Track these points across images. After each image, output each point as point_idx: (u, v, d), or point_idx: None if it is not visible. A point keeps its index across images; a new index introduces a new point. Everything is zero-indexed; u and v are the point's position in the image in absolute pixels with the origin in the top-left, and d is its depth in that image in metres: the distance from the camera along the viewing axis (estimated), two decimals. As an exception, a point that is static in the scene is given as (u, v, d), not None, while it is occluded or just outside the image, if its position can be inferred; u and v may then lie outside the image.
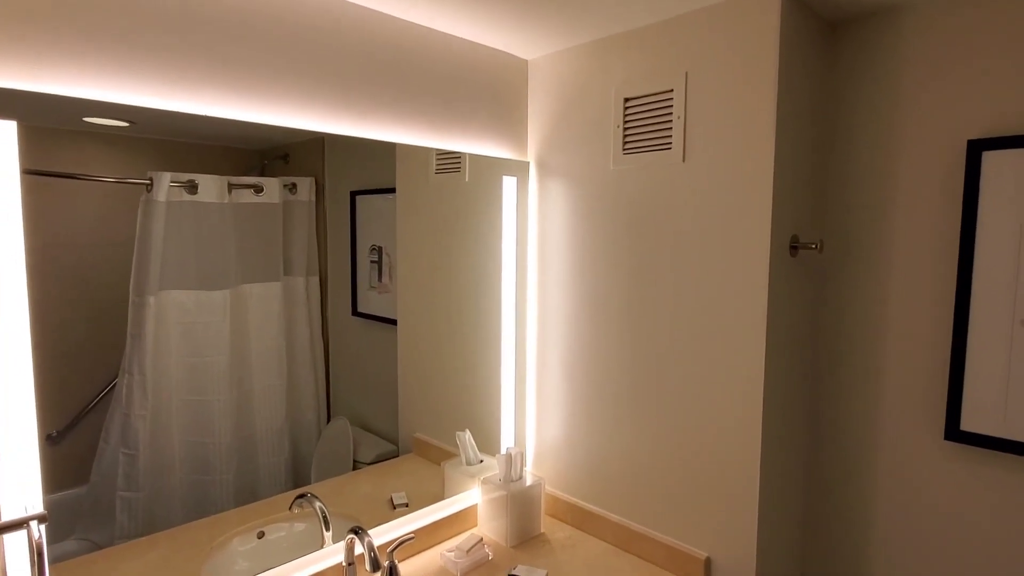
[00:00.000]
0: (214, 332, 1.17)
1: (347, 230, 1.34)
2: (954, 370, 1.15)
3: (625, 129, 1.36)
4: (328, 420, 1.34)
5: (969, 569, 1.18)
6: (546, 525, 1.58)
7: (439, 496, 1.52)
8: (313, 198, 1.28)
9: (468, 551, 1.37)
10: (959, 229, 1.16)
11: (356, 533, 1.20)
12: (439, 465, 1.52)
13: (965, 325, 1.13)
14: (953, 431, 1.15)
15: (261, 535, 1.23)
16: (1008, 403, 1.10)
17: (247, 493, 1.23)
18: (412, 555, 1.43)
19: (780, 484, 1.29)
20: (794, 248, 1.22)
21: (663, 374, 1.35)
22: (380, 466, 1.42)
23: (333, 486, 1.34)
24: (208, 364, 1.17)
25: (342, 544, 1.29)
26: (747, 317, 1.19)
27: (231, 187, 1.18)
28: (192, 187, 1.13)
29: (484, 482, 1.54)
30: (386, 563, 1.30)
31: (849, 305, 1.31)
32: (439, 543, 1.48)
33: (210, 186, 1.14)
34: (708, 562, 1.29)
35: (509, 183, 1.58)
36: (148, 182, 1.09)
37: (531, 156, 1.61)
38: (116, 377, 1.07)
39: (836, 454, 1.34)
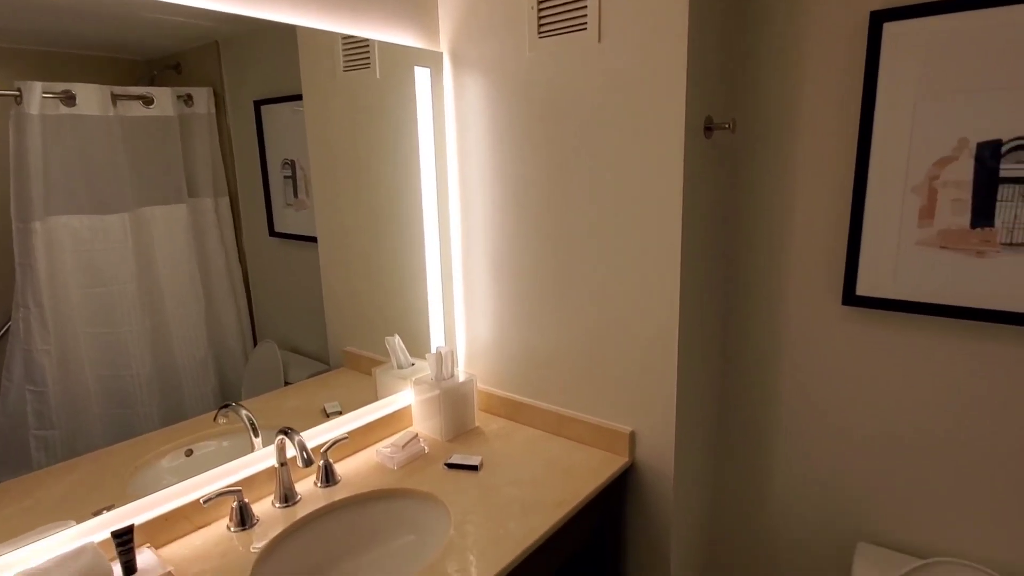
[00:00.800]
0: (116, 260, 1.10)
1: (255, 144, 1.26)
2: (852, 239, 1.24)
3: (540, 10, 1.33)
4: (255, 346, 1.31)
5: (860, 417, 1.32)
6: (480, 420, 1.63)
7: (373, 402, 1.53)
8: (212, 110, 1.19)
9: (404, 446, 1.40)
10: (860, 102, 1.22)
11: (286, 433, 1.20)
12: (372, 375, 1.52)
13: (863, 195, 1.22)
14: (849, 296, 1.26)
15: (189, 453, 1.21)
16: (898, 266, 1.21)
17: (173, 420, 1.19)
18: (348, 455, 1.45)
19: (697, 359, 1.39)
20: (708, 129, 1.25)
21: (585, 262, 1.39)
22: (311, 381, 1.41)
23: (262, 401, 1.32)
24: (114, 294, 1.10)
25: (272, 447, 1.28)
26: (663, 200, 1.23)
27: (116, 98, 1.07)
28: (69, 98, 1.02)
29: (416, 383, 1.56)
30: (320, 462, 1.32)
31: (760, 183, 1.37)
32: (374, 443, 1.51)
33: (90, 97, 1.04)
34: (632, 435, 1.39)
35: (422, 75, 1.52)
36: (16, 93, 0.97)
37: (444, 46, 1.55)
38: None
39: (747, 327, 1.44)
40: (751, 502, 1.52)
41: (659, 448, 1.36)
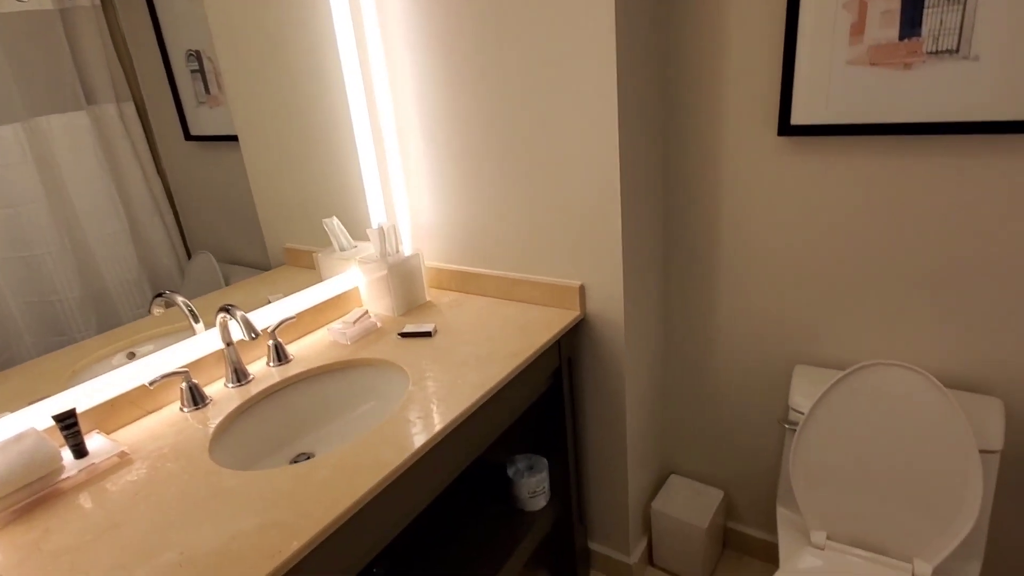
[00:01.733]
0: (16, 176, 1.00)
1: (152, 38, 1.13)
2: (786, 67, 1.23)
3: None
4: (189, 260, 1.23)
5: (797, 246, 1.37)
6: (432, 296, 1.63)
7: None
8: (98, 2, 1.05)
9: (355, 322, 1.39)
10: (785, -78, 1.18)
11: (227, 311, 1.16)
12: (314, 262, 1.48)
13: (796, 19, 1.20)
14: (785, 126, 1.26)
15: (131, 356, 1.16)
16: (831, 90, 1.21)
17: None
18: (298, 338, 1.44)
19: (640, 209, 1.39)
20: (636, -39, 1.19)
21: (523, 127, 1.34)
22: (253, 279, 1.36)
23: (203, 301, 1.27)
24: (21, 214, 1.01)
25: (216, 331, 1.25)
26: (596, 49, 1.18)
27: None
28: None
29: (362, 262, 1.53)
30: (270, 342, 1.30)
31: (695, 19, 1.33)
32: (324, 325, 1.50)
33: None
34: (582, 289, 1.41)
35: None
36: None
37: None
38: None
39: (686, 170, 1.44)
40: (698, 339, 1.58)
41: (609, 298, 1.39)
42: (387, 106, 1.54)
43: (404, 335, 1.38)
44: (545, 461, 1.53)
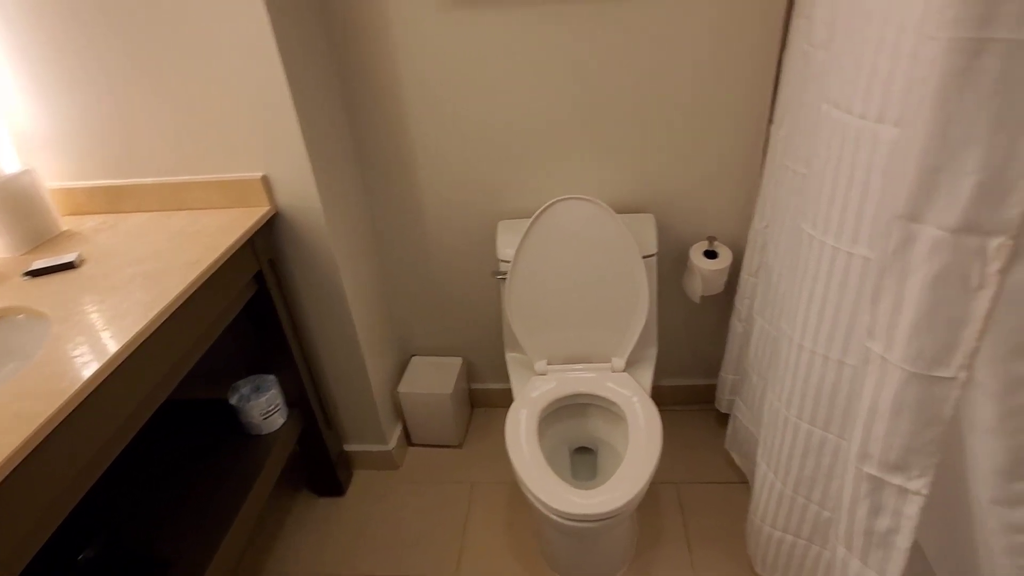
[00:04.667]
0: None
1: None
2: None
3: None
4: None
5: (474, 100, 1.41)
6: (70, 224, 1.28)
7: None
8: None
9: None
10: None
11: None
12: None
13: None
14: (441, -26, 1.24)
15: None
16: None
17: None
18: None
19: (313, 87, 1.26)
20: None
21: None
22: None
23: None
24: None
25: None
26: None
27: None
28: None
29: None
30: None
31: None
32: None
33: None
34: (266, 180, 1.25)
35: None
36: None
37: None
38: None
39: (359, 45, 1.35)
40: (407, 215, 1.56)
41: (301, 189, 1.26)
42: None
43: (33, 273, 1.05)
44: (272, 378, 1.39)
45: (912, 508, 0.80)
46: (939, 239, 0.64)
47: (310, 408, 1.45)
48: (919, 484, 0.78)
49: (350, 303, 1.42)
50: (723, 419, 1.72)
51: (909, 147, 0.63)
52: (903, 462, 0.78)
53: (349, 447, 1.67)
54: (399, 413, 1.75)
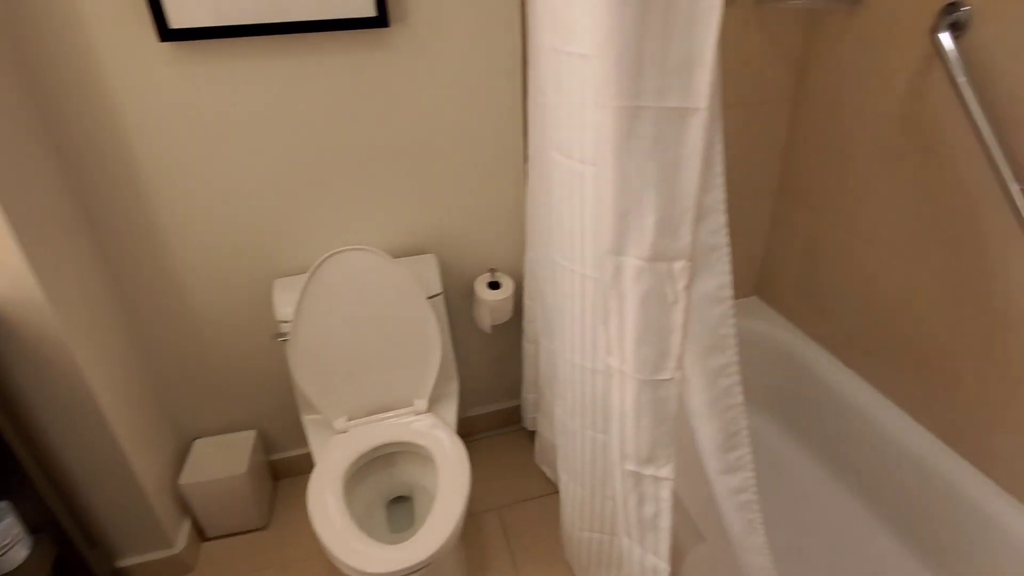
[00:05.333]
0: None
1: None
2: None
3: None
4: None
5: (223, 156, 1.33)
6: None
7: None
8: None
9: None
10: None
11: None
12: None
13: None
14: (165, 31, 1.15)
15: None
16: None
17: None
18: None
19: (14, 150, 1.09)
20: None
21: None
22: None
23: None
24: None
25: None
26: None
27: None
28: None
29: None
30: None
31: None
32: None
33: None
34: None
35: None
36: None
37: None
38: None
39: (69, 95, 1.20)
40: (165, 289, 1.40)
41: (12, 278, 1.06)
42: None
43: None
44: (4, 504, 1.14)
45: (665, 492, 0.93)
46: (640, 267, 0.76)
47: (63, 530, 1.22)
48: (666, 471, 0.91)
49: (100, 399, 1.23)
50: (532, 436, 1.83)
51: (604, 194, 0.75)
52: (652, 455, 0.91)
53: (124, 562, 1.43)
54: (185, 508, 1.55)
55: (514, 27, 1.34)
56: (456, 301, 1.66)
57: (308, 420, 1.46)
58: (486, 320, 1.58)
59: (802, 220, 1.66)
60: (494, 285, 1.58)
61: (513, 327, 1.72)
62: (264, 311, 1.50)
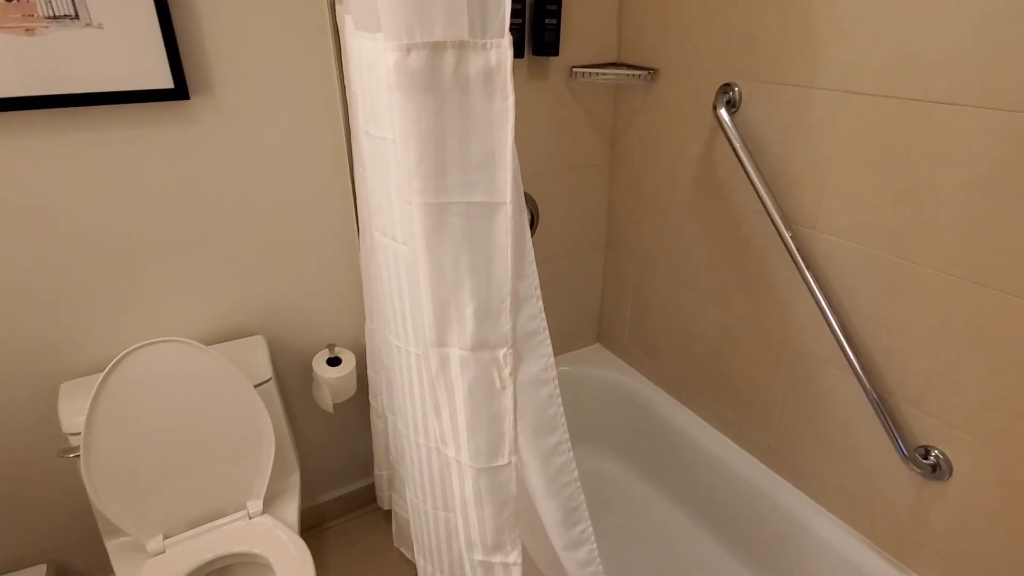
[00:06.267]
0: None
1: None
2: None
3: None
4: None
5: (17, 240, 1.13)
6: None
7: None
8: None
9: None
10: None
11: None
12: None
13: None
14: None
15: None
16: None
17: None
18: None
19: None
20: None
21: None
22: None
23: None
24: None
25: None
26: None
27: None
28: None
29: None
30: None
31: None
32: None
33: None
34: None
35: None
36: None
37: None
38: None
39: None
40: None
41: None
42: None
43: None
44: None
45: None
46: (464, 357, 0.75)
47: None
48: (514, 556, 0.89)
49: None
50: (389, 516, 1.72)
51: (421, 284, 0.73)
52: (497, 542, 0.88)
53: None
54: None
55: (334, 103, 1.31)
56: (295, 381, 1.53)
57: (114, 546, 1.24)
58: (327, 400, 1.47)
59: (630, 271, 1.78)
60: (334, 361, 1.48)
61: (359, 402, 1.63)
62: (50, 421, 1.26)
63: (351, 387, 1.50)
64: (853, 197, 1.15)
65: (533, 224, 1.65)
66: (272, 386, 1.35)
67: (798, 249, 1.21)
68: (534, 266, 0.70)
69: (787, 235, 1.23)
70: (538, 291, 0.72)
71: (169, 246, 1.26)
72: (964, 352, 1.04)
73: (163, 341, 1.16)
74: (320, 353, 1.50)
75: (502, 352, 0.74)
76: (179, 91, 1.17)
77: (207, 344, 1.35)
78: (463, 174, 0.65)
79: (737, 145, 1.28)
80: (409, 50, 0.60)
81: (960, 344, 1.05)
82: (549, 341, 0.74)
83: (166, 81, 1.16)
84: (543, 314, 0.73)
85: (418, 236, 0.69)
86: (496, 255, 0.69)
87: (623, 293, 1.83)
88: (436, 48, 0.60)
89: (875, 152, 1.09)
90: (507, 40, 0.61)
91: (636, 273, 1.76)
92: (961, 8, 0.93)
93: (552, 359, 0.75)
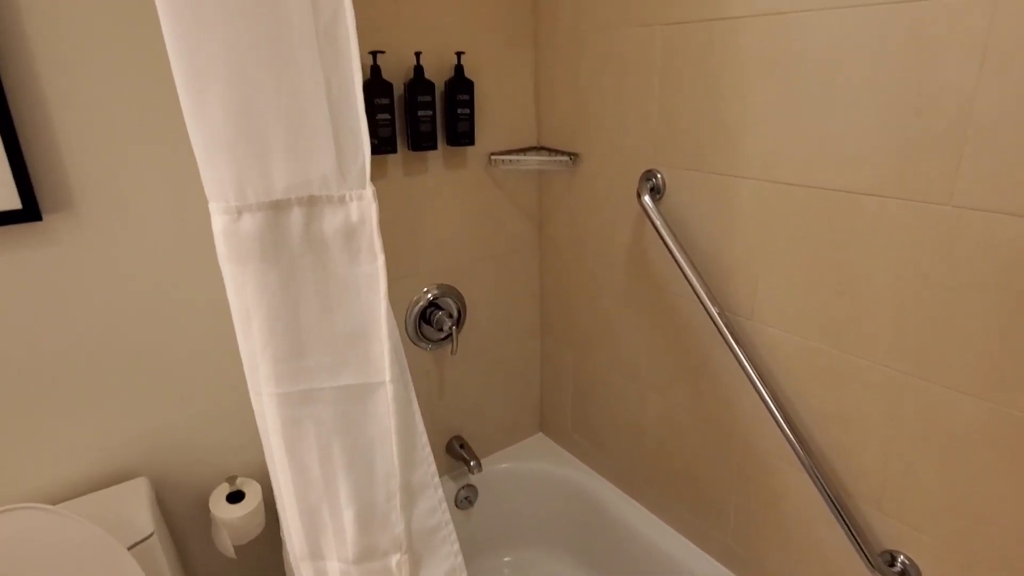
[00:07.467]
0: None
1: None
2: None
3: None
4: None
5: None
6: None
7: None
8: None
9: None
10: None
11: None
12: None
13: None
14: None
15: None
16: None
17: None
18: None
19: None
20: None
21: None
22: None
23: None
24: None
25: None
26: None
27: None
28: None
29: None
30: None
31: None
32: None
33: None
34: None
35: None
36: None
37: None
38: None
39: None
40: None
41: None
42: None
43: None
44: None
45: None
46: (345, 570, 0.60)
47: None
48: None
49: None
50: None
51: (283, 490, 0.58)
52: None
53: None
54: None
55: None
56: (189, 526, 1.32)
57: None
58: (227, 544, 1.26)
59: (569, 358, 1.67)
60: (236, 496, 1.28)
61: (270, 540, 1.42)
62: None
63: (257, 525, 1.29)
64: (788, 287, 1.08)
65: (460, 320, 1.52)
66: (154, 542, 1.14)
67: (736, 340, 1.13)
68: (428, 450, 0.57)
69: (723, 326, 1.15)
70: (436, 479, 0.58)
71: (21, 386, 1.06)
72: (917, 450, 0.97)
73: (5, 510, 0.95)
74: (219, 488, 1.29)
75: (395, 559, 0.59)
76: (28, 211, 1.01)
77: (71, 500, 1.14)
78: (327, 354, 0.52)
79: (664, 233, 1.21)
80: (240, 212, 0.47)
81: (912, 441, 0.97)
82: (455, 536, 0.60)
83: (12, 202, 1.00)
84: (444, 505, 0.59)
85: (272, 434, 0.54)
86: (378, 444, 0.55)
87: (563, 380, 1.72)
88: (277, 207, 0.48)
89: (806, 242, 1.03)
90: (370, 191, 0.50)
91: (574, 359, 1.65)
92: (874, 103, 0.89)
93: (460, 558, 0.61)
